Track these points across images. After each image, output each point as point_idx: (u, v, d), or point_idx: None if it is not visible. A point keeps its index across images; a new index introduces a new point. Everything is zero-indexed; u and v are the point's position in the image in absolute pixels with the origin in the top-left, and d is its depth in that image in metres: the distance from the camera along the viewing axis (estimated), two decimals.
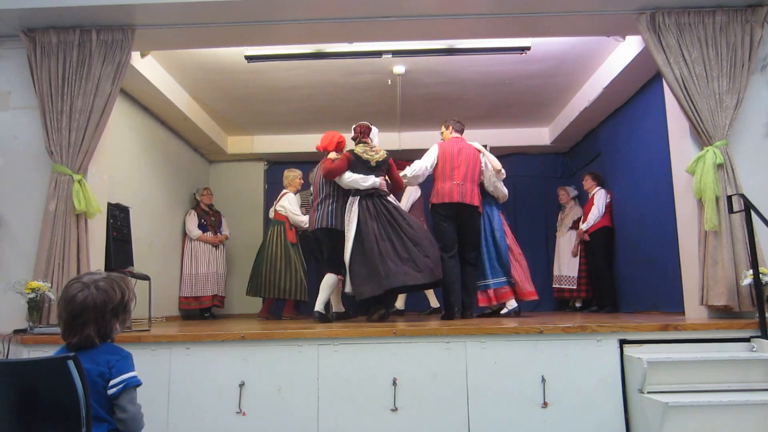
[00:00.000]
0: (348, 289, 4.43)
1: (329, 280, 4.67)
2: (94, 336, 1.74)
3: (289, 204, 6.08)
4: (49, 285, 3.58)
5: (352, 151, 4.60)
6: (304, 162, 7.23)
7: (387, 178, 4.74)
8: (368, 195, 4.51)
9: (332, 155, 4.68)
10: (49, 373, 1.64)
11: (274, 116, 6.93)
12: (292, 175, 6.28)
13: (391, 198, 4.64)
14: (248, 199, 7.87)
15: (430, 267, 4.30)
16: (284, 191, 6.22)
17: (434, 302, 6.01)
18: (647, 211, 5.44)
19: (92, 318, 1.73)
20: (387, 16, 4.10)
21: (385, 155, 4.66)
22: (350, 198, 4.58)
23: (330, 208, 4.67)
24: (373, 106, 6.59)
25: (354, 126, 4.82)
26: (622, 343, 3.30)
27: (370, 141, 4.75)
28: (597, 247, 6.24)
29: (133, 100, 5.62)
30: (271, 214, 6.30)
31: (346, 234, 4.51)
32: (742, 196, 3.58)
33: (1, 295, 3.61)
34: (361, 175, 4.51)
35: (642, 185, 5.55)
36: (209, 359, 3.30)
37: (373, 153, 4.62)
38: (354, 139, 4.78)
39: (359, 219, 4.43)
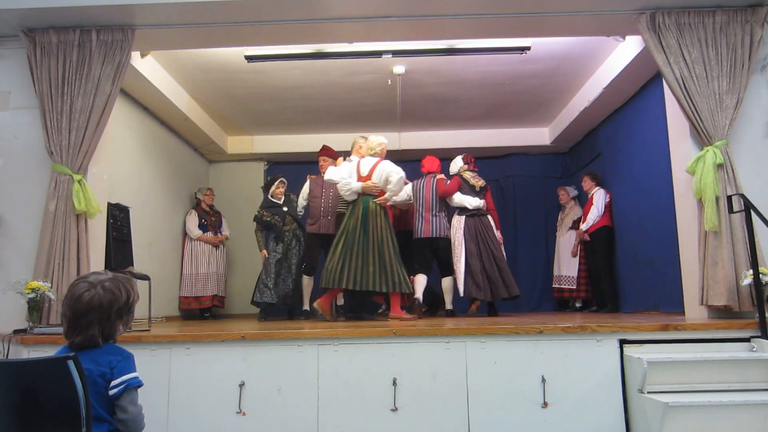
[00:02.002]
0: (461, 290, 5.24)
1: (424, 280, 5.25)
2: (98, 336, 1.74)
3: (391, 167, 4.82)
4: (49, 285, 3.58)
5: (460, 176, 5.48)
6: (305, 162, 7.24)
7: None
8: (472, 214, 5.29)
9: (440, 176, 5.49)
10: (49, 373, 1.63)
11: (274, 116, 6.93)
12: (385, 142, 5.05)
13: (489, 218, 5.41)
14: (248, 199, 7.85)
15: (505, 285, 5.18)
16: (378, 159, 4.92)
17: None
18: (647, 211, 5.44)
19: (97, 318, 1.73)
20: (387, 16, 4.10)
21: (484, 183, 5.52)
22: (455, 215, 5.41)
23: (444, 220, 5.40)
24: (373, 106, 6.60)
25: (463, 156, 5.69)
26: (622, 343, 3.30)
27: (475, 168, 5.69)
28: (597, 247, 6.24)
29: (133, 100, 5.62)
30: (350, 191, 4.84)
31: (453, 244, 5.33)
32: (742, 196, 3.58)
33: (1, 295, 3.61)
34: (469, 197, 5.34)
35: (642, 185, 5.55)
36: (209, 359, 3.30)
37: (477, 180, 5.48)
38: (466, 169, 5.59)
39: (464, 235, 5.24)
